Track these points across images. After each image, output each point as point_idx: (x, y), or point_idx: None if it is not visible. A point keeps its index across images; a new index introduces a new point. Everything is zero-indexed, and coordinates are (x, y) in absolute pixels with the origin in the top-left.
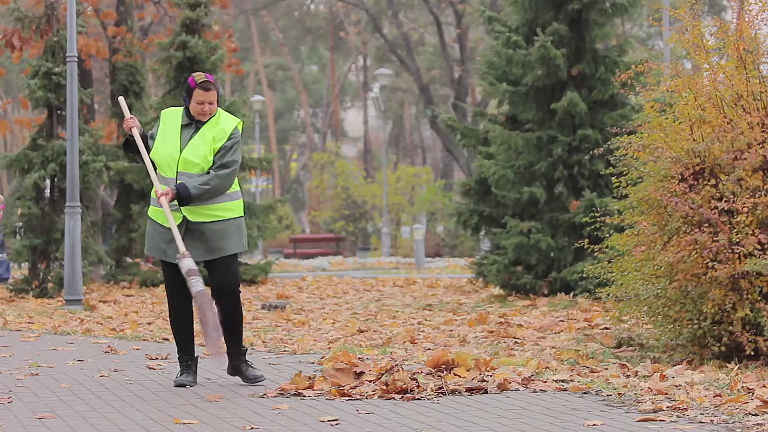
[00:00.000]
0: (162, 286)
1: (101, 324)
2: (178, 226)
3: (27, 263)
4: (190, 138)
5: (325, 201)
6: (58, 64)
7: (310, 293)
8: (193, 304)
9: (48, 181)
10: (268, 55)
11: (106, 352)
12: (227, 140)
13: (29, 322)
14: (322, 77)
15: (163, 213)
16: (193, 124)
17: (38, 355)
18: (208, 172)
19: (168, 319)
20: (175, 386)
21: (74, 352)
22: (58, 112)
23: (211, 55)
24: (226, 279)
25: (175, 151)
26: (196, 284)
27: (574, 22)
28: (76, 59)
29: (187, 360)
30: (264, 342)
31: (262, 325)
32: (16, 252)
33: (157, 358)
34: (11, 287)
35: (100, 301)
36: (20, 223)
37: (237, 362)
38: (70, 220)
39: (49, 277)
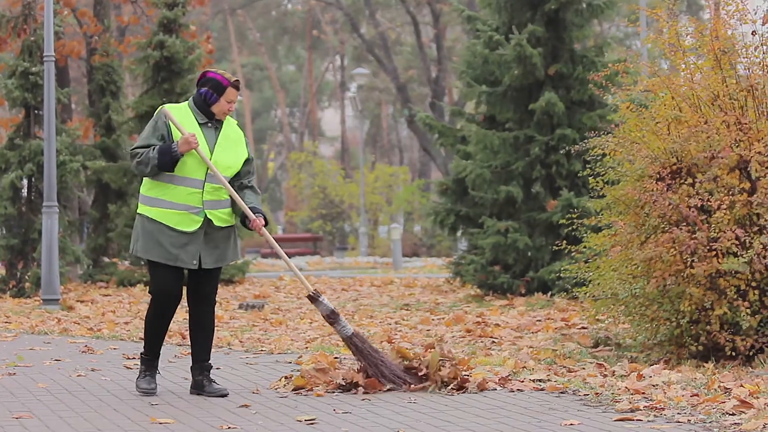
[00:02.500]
0: (139, 286)
1: (78, 324)
2: (197, 230)
3: (4, 263)
4: (216, 139)
5: (302, 200)
6: (35, 63)
7: (288, 293)
8: (352, 348)
9: (25, 181)
10: (245, 55)
11: (83, 351)
12: (246, 145)
13: (6, 322)
14: (300, 77)
15: (178, 215)
16: (211, 123)
17: (15, 354)
18: (242, 184)
19: (145, 320)
20: (141, 393)
21: (51, 351)
22: (36, 111)
23: (189, 55)
24: (212, 287)
25: (204, 152)
26: (347, 326)
27: (551, 22)
28: (53, 59)
29: (153, 363)
30: (241, 342)
31: (239, 325)
32: None
33: (134, 358)
34: None
35: (78, 301)
36: None
37: (200, 377)
38: (48, 219)
39: (26, 277)
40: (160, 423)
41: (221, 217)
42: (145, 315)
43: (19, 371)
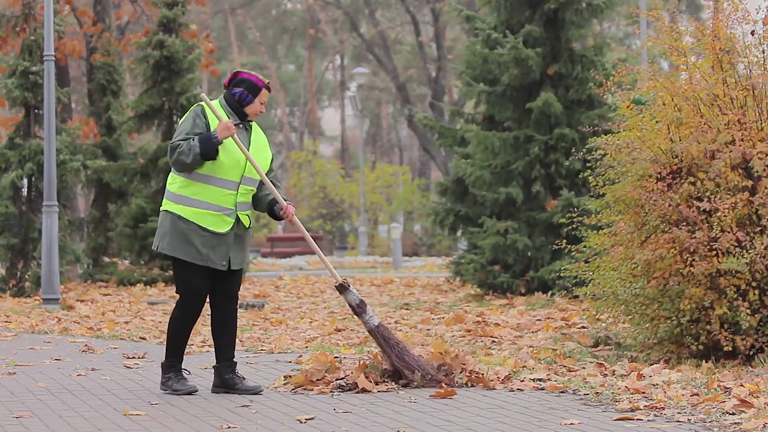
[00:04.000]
0: (139, 285)
1: (78, 323)
2: (228, 232)
3: (4, 262)
4: (249, 141)
5: (302, 200)
6: (35, 63)
7: (288, 292)
8: (378, 339)
9: (25, 180)
10: (245, 54)
11: (83, 351)
12: (269, 147)
13: (6, 321)
14: (299, 76)
15: (212, 216)
16: (242, 125)
17: (15, 354)
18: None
19: (171, 323)
20: (186, 394)
21: (51, 351)
22: (36, 111)
23: (188, 54)
24: (238, 285)
25: (240, 154)
26: (373, 318)
27: (550, 21)
28: (53, 58)
29: (177, 366)
30: (241, 341)
31: (239, 324)
32: None
33: (134, 357)
34: None
35: (78, 300)
36: None
37: (230, 376)
38: (48, 219)
39: (26, 276)
40: (160, 422)
41: (247, 218)
42: (171, 318)
43: (19, 370)
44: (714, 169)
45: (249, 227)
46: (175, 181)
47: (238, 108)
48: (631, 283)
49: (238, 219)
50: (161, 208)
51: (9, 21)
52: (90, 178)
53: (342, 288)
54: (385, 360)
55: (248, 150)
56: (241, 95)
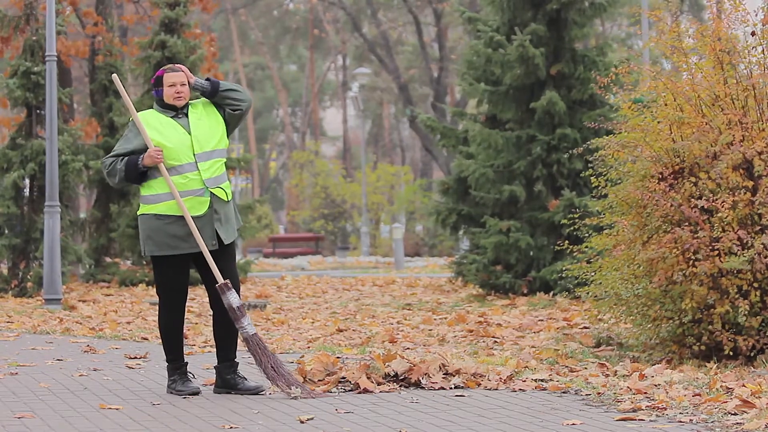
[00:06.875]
0: (141, 286)
1: (80, 323)
2: (207, 211)
3: (6, 262)
4: (189, 123)
5: (304, 200)
6: (37, 63)
7: (290, 292)
8: (254, 348)
9: (27, 181)
10: (247, 54)
11: (85, 351)
12: (215, 106)
13: (8, 322)
14: (301, 76)
15: (186, 202)
16: (179, 114)
17: (17, 354)
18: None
19: (159, 324)
20: (188, 395)
21: (53, 351)
22: (37, 111)
23: (191, 55)
24: (234, 267)
25: (184, 136)
26: (251, 326)
27: (553, 21)
28: (56, 59)
29: (184, 366)
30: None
31: None
32: None
33: (136, 357)
34: None
35: (80, 301)
36: None
37: (231, 376)
38: (50, 219)
39: (28, 277)
40: (162, 423)
41: (224, 191)
42: (159, 319)
43: (21, 371)
44: (716, 171)
45: (229, 200)
46: (144, 186)
47: (164, 104)
48: (633, 284)
49: (213, 195)
50: (137, 213)
51: (11, 21)
52: (92, 179)
53: (223, 289)
54: (260, 370)
55: (190, 129)
56: (157, 93)
